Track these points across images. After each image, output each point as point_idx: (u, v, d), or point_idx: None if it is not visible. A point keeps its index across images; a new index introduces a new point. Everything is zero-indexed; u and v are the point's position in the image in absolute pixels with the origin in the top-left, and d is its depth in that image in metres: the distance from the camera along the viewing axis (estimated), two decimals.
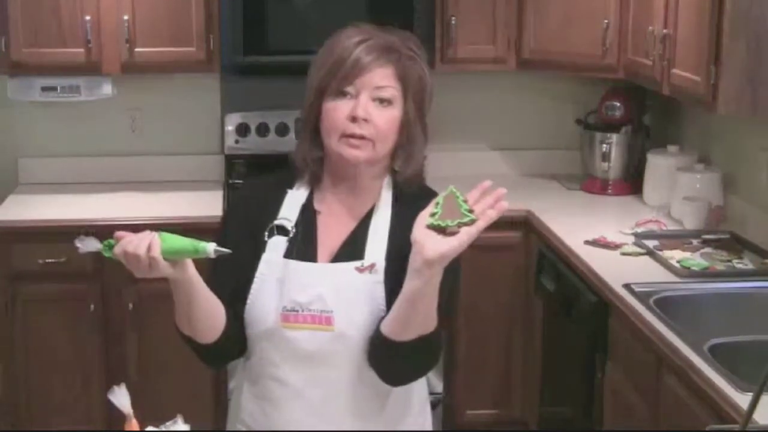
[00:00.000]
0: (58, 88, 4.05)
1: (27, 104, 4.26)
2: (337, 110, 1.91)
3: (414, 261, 1.76)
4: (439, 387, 4.02)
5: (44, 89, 4.05)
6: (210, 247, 1.78)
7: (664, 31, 3.43)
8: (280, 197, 2.01)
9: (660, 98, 3.91)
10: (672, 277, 3.10)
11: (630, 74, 3.87)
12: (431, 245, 1.72)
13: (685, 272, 3.11)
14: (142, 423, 1.78)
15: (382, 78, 1.91)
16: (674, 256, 3.25)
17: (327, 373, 1.94)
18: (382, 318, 1.88)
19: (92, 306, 3.85)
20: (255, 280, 1.95)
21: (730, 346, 2.57)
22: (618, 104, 4.21)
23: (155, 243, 1.76)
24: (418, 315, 1.81)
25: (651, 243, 3.39)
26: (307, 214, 2.00)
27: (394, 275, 1.88)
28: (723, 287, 3.03)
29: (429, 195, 1.95)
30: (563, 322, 3.49)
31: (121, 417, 1.76)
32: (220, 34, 4.02)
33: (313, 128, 1.97)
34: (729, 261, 3.23)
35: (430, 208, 1.76)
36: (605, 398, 3.11)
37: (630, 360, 2.89)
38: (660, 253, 3.28)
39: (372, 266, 1.93)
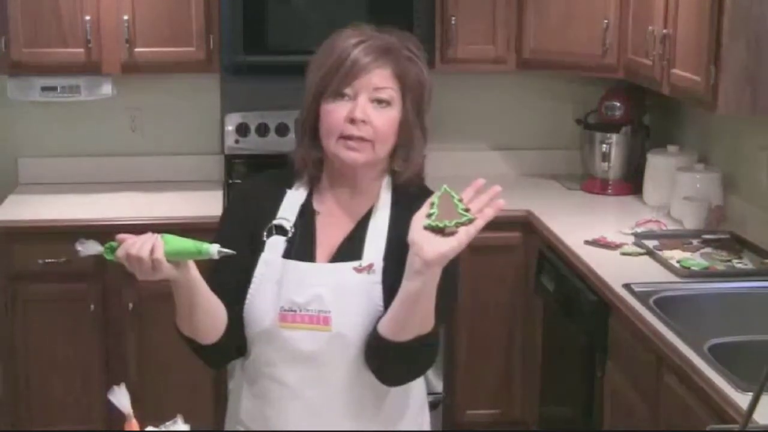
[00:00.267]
0: (58, 88, 4.05)
1: (27, 104, 4.26)
2: (336, 112, 1.90)
3: (413, 262, 1.76)
4: (439, 387, 4.02)
5: (44, 89, 4.05)
6: (213, 248, 1.78)
7: (664, 30, 3.43)
8: (279, 197, 2.01)
9: (660, 98, 3.91)
10: (672, 277, 3.10)
11: (630, 74, 3.87)
12: (430, 246, 1.72)
13: (685, 272, 3.11)
14: (142, 423, 1.78)
15: (380, 79, 1.91)
16: (674, 256, 3.25)
17: (325, 373, 1.94)
18: (380, 318, 1.88)
19: (92, 306, 3.84)
20: (253, 280, 1.95)
21: (730, 346, 2.57)
22: (618, 104, 4.21)
23: (158, 245, 1.76)
24: (415, 315, 1.81)
25: (651, 243, 3.39)
26: (306, 214, 2.00)
27: (392, 275, 1.88)
28: (723, 287, 3.03)
29: (428, 195, 1.95)
30: (563, 322, 3.49)
31: (121, 417, 1.76)
32: (220, 34, 4.02)
33: (311, 129, 1.97)
34: (729, 261, 3.23)
35: (426, 209, 1.76)
36: (605, 398, 3.11)
37: (630, 360, 2.89)
38: (660, 253, 3.28)
39: (370, 266, 1.93)
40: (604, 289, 3.08)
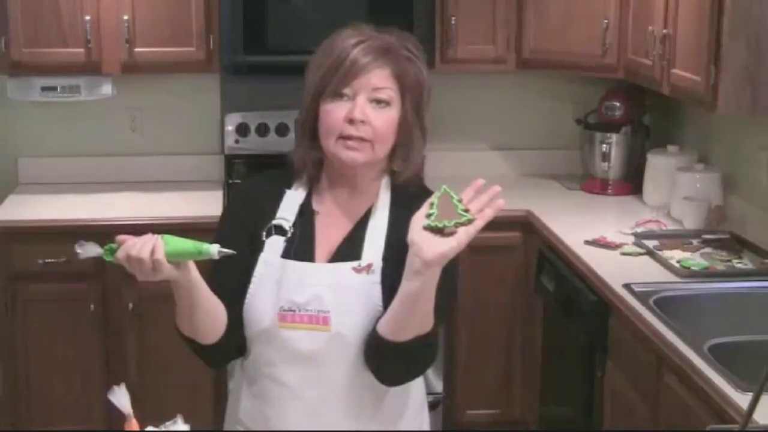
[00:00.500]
0: (58, 88, 4.05)
1: (27, 104, 4.26)
2: (335, 112, 1.90)
3: (413, 262, 1.76)
4: (439, 387, 4.02)
5: (44, 89, 4.05)
6: (214, 249, 1.78)
7: (664, 30, 3.43)
8: (278, 197, 2.01)
9: (660, 98, 3.91)
10: (672, 277, 3.10)
11: (630, 74, 3.87)
12: (430, 246, 1.72)
13: (685, 272, 3.11)
14: (142, 423, 1.78)
15: (379, 79, 1.91)
16: (674, 256, 3.25)
17: (324, 373, 1.94)
18: (379, 318, 1.88)
19: (92, 306, 3.84)
20: (252, 279, 1.95)
21: (730, 346, 2.57)
22: (618, 104, 4.21)
23: (159, 246, 1.76)
24: (415, 315, 1.81)
25: (651, 243, 3.39)
26: (305, 214, 2.00)
27: (392, 275, 1.88)
28: (723, 287, 3.03)
29: (427, 195, 1.95)
30: (563, 322, 3.49)
31: (121, 417, 1.76)
32: (220, 34, 4.02)
33: (310, 129, 1.97)
34: (729, 261, 3.23)
35: (425, 209, 1.76)
36: (605, 398, 3.11)
37: (630, 360, 2.89)
38: (660, 253, 3.28)
39: (369, 266, 1.93)
40: (604, 289, 3.08)
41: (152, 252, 1.75)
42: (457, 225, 1.72)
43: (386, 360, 1.90)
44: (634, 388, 2.86)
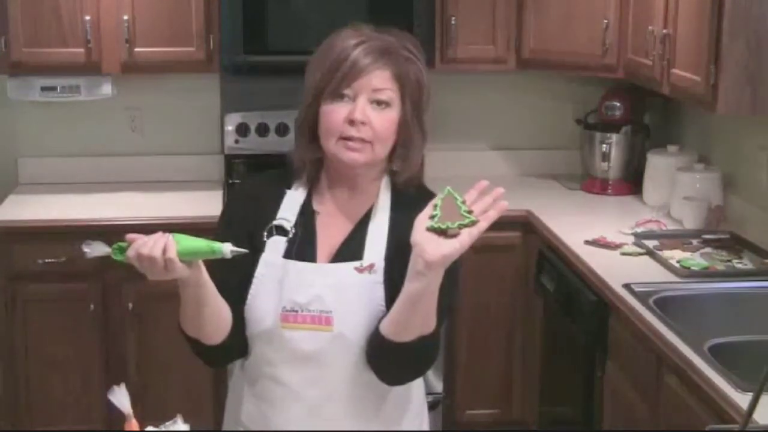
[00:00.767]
0: (58, 88, 4.05)
1: (27, 104, 4.26)
2: (335, 113, 1.90)
3: (415, 263, 1.76)
4: (439, 387, 4.02)
5: (44, 89, 4.05)
6: (226, 248, 1.77)
7: (664, 30, 3.43)
8: (279, 197, 2.00)
9: (660, 98, 3.91)
10: (672, 277, 3.10)
11: (630, 74, 3.87)
12: (432, 247, 1.72)
13: (685, 272, 3.11)
14: (142, 423, 1.78)
15: (379, 80, 1.90)
16: (674, 256, 3.25)
17: (325, 374, 1.94)
18: (381, 318, 1.88)
19: (92, 306, 3.84)
20: (254, 280, 1.95)
21: (730, 346, 2.57)
22: (618, 104, 4.21)
23: (171, 244, 1.74)
24: (417, 316, 1.81)
25: (651, 243, 3.39)
26: (306, 214, 1.99)
27: (393, 276, 1.88)
28: (723, 287, 3.03)
29: (427, 195, 1.95)
30: (563, 322, 3.49)
31: (121, 417, 1.76)
32: (220, 34, 4.02)
33: (310, 130, 1.96)
34: (729, 261, 3.23)
35: (429, 211, 1.75)
36: (605, 398, 3.11)
37: (630, 360, 2.89)
38: (660, 253, 3.28)
39: (371, 266, 1.93)
40: (604, 289, 3.08)
41: (164, 251, 1.73)
42: (461, 226, 1.71)
43: (388, 360, 1.90)
44: (634, 388, 2.86)
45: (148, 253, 1.73)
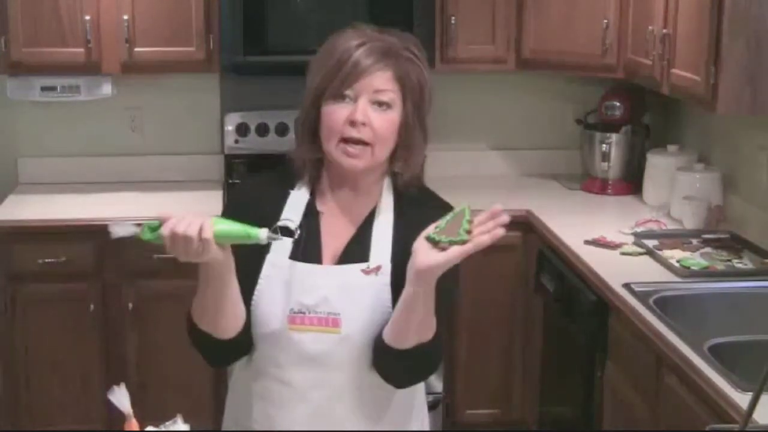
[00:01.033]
0: (58, 88, 4.05)
1: (27, 104, 4.26)
2: (336, 113, 1.89)
3: (408, 269, 1.77)
4: (439, 387, 4.02)
5: (44, 89, 4.05)
6: (263, 233, 1.74)
7: (664, 30, 3.43)
8: (282, 197, 1.99)
9: (660, 98, 3.91)
10: (672, 277, 3.10)
11: (630, 74, 3.87)
12: (422, 256, 1.74)
13: (685, 272, 3.11)
14: (142, 423, 1.78)
15: (381, 81, 1.90)
16: (674, 255, 3.25)
17: (331, 375, 1.94)
18: (388, 320, 1.88)
19: (92, 306, 3.84)
20: (259, 281, 1.94)
21: (730, 346, 2.57)
22: (618, 104, 4.21)
23: (207, 225, 1.71)
24: (411, 323, 1.82)
25: (651, 243, 3.39)
26: (310, 215, 1.98)
27: (399, 278, 1.87)
28: (723, 287, 3.03)
29: (429, 196, 1.95)
30: (563, 322, 3.49)
31: (121, 417, 1.76)
32: (219, 34, 4.02)
33: (311, 130, 1.95)
34: (729, 261, 3.23)
35: (439, 221, 1.76)
36: (605, 398, 3.11)
37: (630, 360, 2.89)
38: (660, 252, 3.28)
39: (378, 268, 1.93)
40: (604, 289, 3.08)
41: (200, 231, 1.71)
42: (452, 243, 1.73)
43: (389, 365, 1.91)
44: (634, 388, 2.86)
45: (183, 231, 1.69)
